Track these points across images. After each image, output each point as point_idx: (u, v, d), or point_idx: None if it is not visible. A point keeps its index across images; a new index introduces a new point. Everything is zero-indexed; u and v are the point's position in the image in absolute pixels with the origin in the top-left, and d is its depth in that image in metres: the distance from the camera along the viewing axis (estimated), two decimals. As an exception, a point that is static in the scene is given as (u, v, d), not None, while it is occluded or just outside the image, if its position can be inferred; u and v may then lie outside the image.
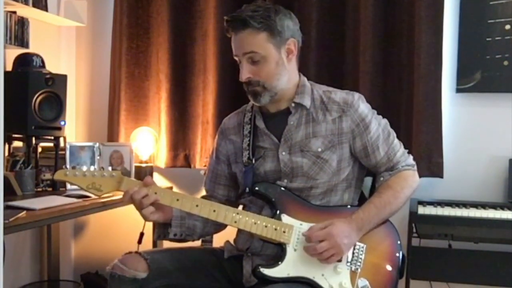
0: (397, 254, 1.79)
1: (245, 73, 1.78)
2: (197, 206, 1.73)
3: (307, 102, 1.84)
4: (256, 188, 1.80)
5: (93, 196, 1.85)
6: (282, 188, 1.81)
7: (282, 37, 1.78)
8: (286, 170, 1.82)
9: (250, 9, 1.76)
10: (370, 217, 1.75)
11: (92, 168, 1.75)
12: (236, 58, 1.82)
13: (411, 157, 1.93)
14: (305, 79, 1.91)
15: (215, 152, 2.01)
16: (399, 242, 1.81)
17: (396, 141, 1.90)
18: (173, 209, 1.78)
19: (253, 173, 1.84)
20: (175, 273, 1.80)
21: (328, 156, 1.81)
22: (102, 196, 1.78)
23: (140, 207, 1.71)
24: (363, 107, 1.86)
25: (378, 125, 1.87)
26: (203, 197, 2.00)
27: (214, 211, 1.74)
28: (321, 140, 1.81)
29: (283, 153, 1.83)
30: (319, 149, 1.81)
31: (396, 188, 1.82)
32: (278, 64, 1.79)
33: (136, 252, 1.82)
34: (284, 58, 1.80)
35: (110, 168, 1.78)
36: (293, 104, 1.84)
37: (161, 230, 1.85)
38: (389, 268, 1.77)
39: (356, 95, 1.87)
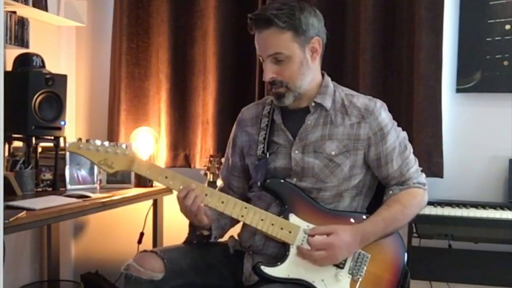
0: (401, 269, 1.77)
1: (269, 74, 1.75)
2: (206, 195, 1.72)
3: (327, 103, 1.81)
4: (268, 183, 1.78)
5: (102, 171, 1.81)
6: (295, 187, 1.78)
7: (307, 36, 1.75)
8: (296, 169, 1.79)
9: (274, 7, 1.73)
10: (376, 230, 1.73)
11: (106, 143, 1.75)
12: (259, 57, 1.80)
13: (423, 175, 1.89)
14: (329, 79, 1.88)
15: (231, 141, 1.99)
16: (404, 255, 1.79)
17: (412, 156, 1.86)
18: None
19: (266, 168, 1.81)
20: (189, 272, 1.77)
21: (341, 161, 1.78)
22: (113, 173, 1.77)
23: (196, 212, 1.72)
24: (384, 116, 1.82)
25: (396, 137, 1.83)
26: (219, 188, 1.99)
27: (223, 202, 1.73)
28: (336, 143, 1.78)
29: (296, 151, 1.80)
30: (333, 153, 1.77)
31: (405, 204, 1.78)
32: (303, 64, 1.76)
33: (152, 251, 1.77)
34: (308, 57, 1.78)
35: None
36: (313, 104, 1.81)
37: (195, 233, 1.85)
38: (390, 280, 1.74)
39: (379, 102, 1.83)
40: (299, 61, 1.75)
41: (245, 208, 1.73)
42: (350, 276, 1.70)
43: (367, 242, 1.72)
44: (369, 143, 1.79)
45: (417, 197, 1.82)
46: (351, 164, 1.79)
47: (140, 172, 1.78)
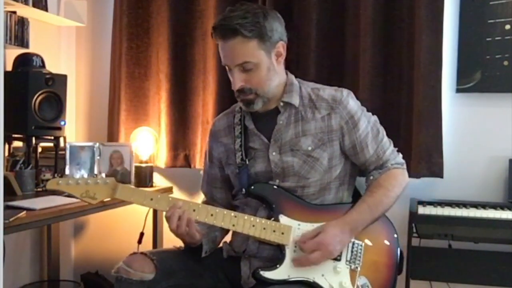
0: (396, 251, 1.79)
1: (238, 82, 1.76)
2: (194, 211, 1.72)
3: (295, 100, 1.83)
4: (253, 188, 1.80)
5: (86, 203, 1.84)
6: (279, 188, 1.80)
7: (272, 41, 1.76)
8: (277, 170, 1.81)
9: (238, 15, 1.72)
10: (364, 217, 1.75)
11: (85, 175, 1.75)
12: (225, 66, 1.80)
13: (400, 155, 1.93)
14: (293, 77, 1.89)
15: (207, 155, 2.00)
16: (396, 237, 1.81)
17: (386, 139, 1.90)
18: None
19: (248, 174, 1.83)
20: (181, 273, 1.78)
21: (318, 155, 1.80)
22: (97, 203, 1.77)
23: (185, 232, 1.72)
24: (352, 103, 1.84)
25: (368, 123, 1.86)
26: (203, 202, 1.99)
27: (212, 215, 1.73)
28: (310, 138, 1.80)
29: (273, 153, 1.82)
30: (309, 148, 1.80)
31: (388, 187, 1.81)
32: (270, 69, 1.78)
33: (142, 253, 1.79)
34: (274, 62, 1.79)
35: (103, 175, 1.78)
36: (281, 104, 1.83)
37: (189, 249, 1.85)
38: (388, 264, 1.77)
39: (345, 91, 1.86)
40: (266, 67, 1.77)
41: (235, 217, 1.73)
42: (348, 266, 1.72)
43: (357, 231, 1.74)
44: (342, 132, 1.82)
45: (397, 177, 1.85)
46: (329, 156, 1.81)
47: (124, 198, 1.77)
